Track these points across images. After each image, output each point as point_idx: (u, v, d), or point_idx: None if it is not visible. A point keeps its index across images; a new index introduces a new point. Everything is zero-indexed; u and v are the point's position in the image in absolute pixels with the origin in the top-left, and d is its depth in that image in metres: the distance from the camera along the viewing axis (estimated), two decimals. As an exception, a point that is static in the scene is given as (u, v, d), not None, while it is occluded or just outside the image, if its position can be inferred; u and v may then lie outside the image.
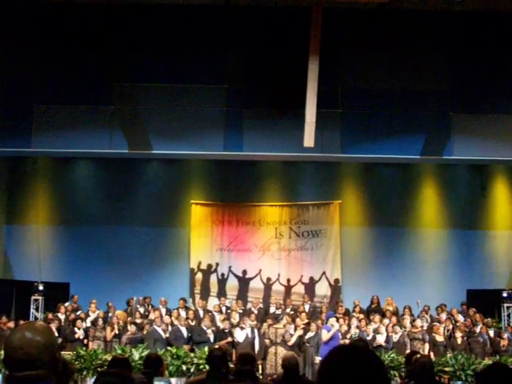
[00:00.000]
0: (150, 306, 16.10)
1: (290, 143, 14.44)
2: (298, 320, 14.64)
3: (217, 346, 5.97)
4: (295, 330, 14.31)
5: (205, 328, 14.20)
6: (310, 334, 14.11)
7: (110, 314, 15.34)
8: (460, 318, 15.44)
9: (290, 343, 13.65)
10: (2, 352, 2.36)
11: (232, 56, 14.95)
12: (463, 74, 14.95)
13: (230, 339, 13.81)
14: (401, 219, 18.20)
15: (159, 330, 14.10)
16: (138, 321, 14.78)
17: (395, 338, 14.08)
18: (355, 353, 2.06)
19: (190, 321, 14.96)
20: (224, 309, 16.11)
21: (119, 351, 13.07)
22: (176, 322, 14.53)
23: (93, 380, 10.84)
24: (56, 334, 14.23)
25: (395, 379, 12.70)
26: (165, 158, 16.77)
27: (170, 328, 14.36)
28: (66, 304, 15.96)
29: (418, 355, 5.88)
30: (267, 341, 13.80)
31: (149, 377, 5.68)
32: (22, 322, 12.17)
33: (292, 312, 15.90)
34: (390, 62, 14.96)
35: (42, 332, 2.39)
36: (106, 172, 18.17)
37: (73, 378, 12.58)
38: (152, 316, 14.89)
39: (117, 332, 14.32)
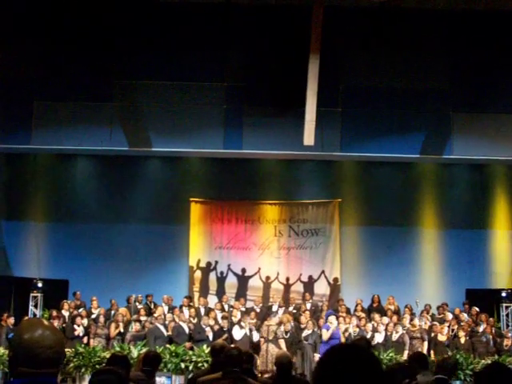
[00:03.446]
0: (153, 304, 16.10)
1: (289, 141, 14.45)
2: (302, 318, 14.64)
3: (219, 343, 5.97)
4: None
5: (204, 326, 14.20)
6: (307, 332, 14.10)
7: (112, 312, 15.32)
8: (465, 317, 15.42)
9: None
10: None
11: (232, 54, 14.95)
12: (463, 72, 14.96)
13: (225, 336, 13.78)
14: (400, 218, 18.18)
15: (161, 327, 14.08)
16: (143, 318, 14.77)
17: (395, 336, 14.07)
18: (351, 353, 2.05)
19: (191, 318, 14.95)
20: (226, 307, 16.08)
21: (118, 348, 13.07)
22: (177, 320, 14.53)
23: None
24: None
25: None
26: (164, 155, 16.76)
27: (172, 325, 14.33)
28: (69, 301, 15.94)
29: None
30: (262, 339, 13.76)
31: (148, 374, 5.68)
32: (26, 318, 12.16)
33: (295, 311, 15.89)
34: (389, 61, 14.96)
35: (57, 330, 2.48)
36: (106, 169, 18.14)
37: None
38: (156, 314, 14.87)
39: (122, 330, 14.29)
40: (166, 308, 15.58)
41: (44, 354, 2.35)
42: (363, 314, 15.22)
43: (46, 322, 2.48)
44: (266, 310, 16.04)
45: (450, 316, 15.39)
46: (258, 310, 15.84)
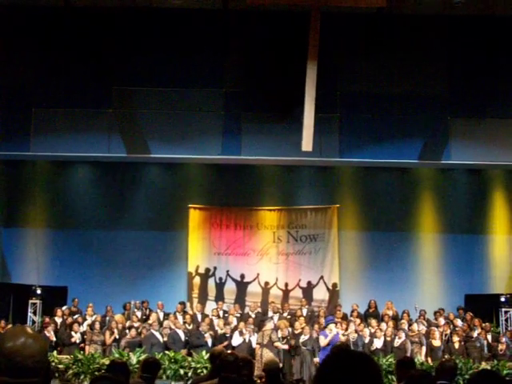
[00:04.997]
0: (148, 310, 16.08)
1: (288, 147, 14.47)
2: (296, 324, 14.61)
3: (218, 349, 5.97)
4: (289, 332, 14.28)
5: (203, 332, 14.18)
6: (304, 337, 14.06)
7: (107, 318, 15.30)
8: (458, 322, 15.42)
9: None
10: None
11: (230, 60, 14.98)
12: (461, 78, 15.00)
13: (226, 343, 13.78)
14: (399, 223, 18.17)
15: (156, 334, 14.07)
16: (136, 324, 14.74)
17: (397, 342, 14.03)
18: (353, 357, 2.06)
19: (187, 325, 14.94)
20: (221, 313, 16.08)
21: (117, 355, 13.04)
22: (173, 326, 14.51)
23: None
24: (54, 338, 14.23)
25: (393, 384, 12.69)
26: (163, 161, 16.77)
27: (167, 332, 14.32)
28: (64, 308, 15.92)
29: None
30: (258, 345, 13.73)
31: (147, 381, 5.66)
32: (10, 327, 12.12)
33: (289, 316, 15.87)
34: (388, 67, 15.00)
35: (40, 339, 2.40)
36: (105, 176, 18.13)
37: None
38: (150, 320, 14.86)
39: (117, 337, 14.27)
40: (161, 314, 15.59)
41: (24, 362, 2.29)
42: (358, 320, 15.20)
43: (30, 331, 2.41)
44: (261, 316, 16.03)
45: (442, 321, 15.40)
46: (254, 316, 15.82)
